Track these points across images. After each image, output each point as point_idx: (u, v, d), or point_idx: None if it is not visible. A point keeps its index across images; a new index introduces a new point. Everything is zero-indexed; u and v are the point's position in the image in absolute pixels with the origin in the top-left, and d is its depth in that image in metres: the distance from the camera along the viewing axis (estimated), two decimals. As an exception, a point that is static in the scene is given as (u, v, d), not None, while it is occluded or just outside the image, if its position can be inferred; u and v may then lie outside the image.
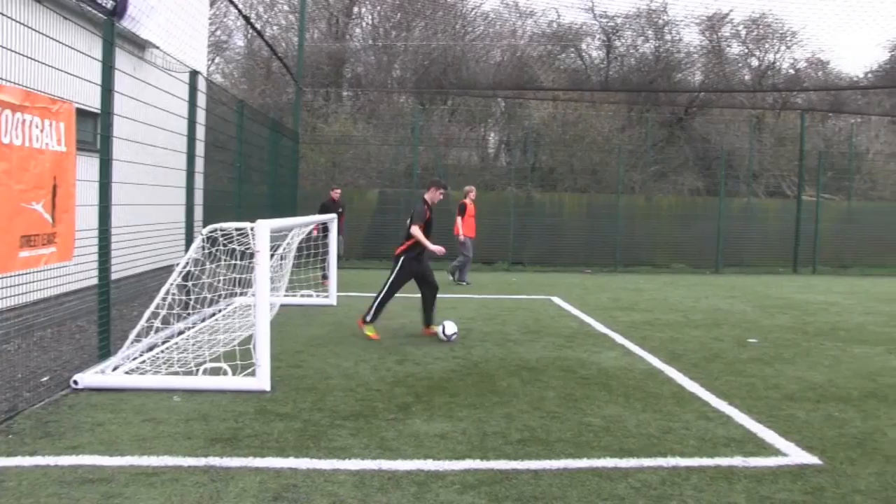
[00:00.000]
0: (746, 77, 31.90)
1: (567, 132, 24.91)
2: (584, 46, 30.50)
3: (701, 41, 30.97)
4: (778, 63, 32.39)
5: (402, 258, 9.24)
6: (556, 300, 13.50)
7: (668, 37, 29.74)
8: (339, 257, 14.35)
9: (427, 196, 9.40)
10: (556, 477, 4.75)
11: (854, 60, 47.70)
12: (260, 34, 19.19)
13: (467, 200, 15.45)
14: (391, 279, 9.27)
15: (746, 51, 32.02)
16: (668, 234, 20.95)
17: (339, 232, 14.68)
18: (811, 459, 5.22)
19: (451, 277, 15.68)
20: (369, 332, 9.29)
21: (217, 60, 29.32)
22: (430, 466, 4.88)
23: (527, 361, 8.14)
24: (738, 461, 5.13)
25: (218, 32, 28.32)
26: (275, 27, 29.28)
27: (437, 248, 9.03)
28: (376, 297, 9.33)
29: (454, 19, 29.07)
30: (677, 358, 8.53)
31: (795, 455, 5.30)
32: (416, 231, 9.06)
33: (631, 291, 15.21)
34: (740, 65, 32.19)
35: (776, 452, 5.35)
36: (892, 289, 16.90)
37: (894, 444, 5.60)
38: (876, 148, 28.17)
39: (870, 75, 36.77)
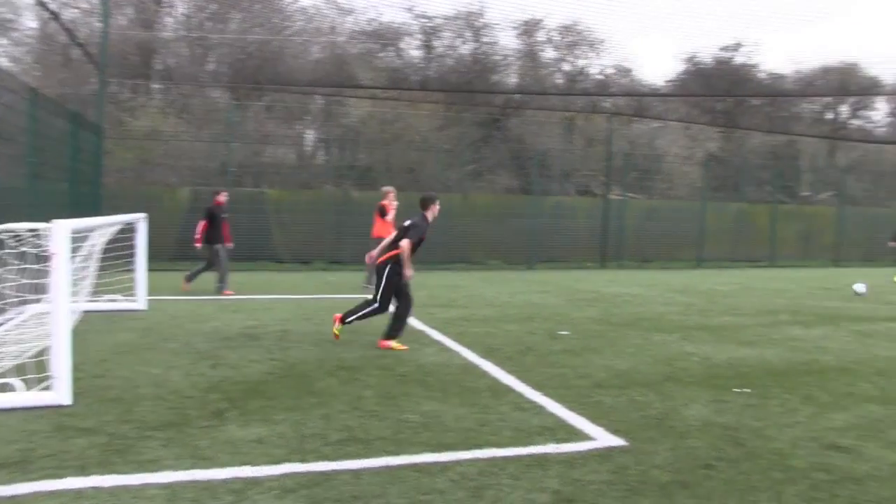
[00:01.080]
0: (559, 81, 33.49)
1: (385, 131, 25.07)
2: (403, 46, 30.84)
3: (517, 45, 32.20)
4: (588, 68, 34.27)
5: (387, 268, 8.80)
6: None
7: (485, 39, 30.67)
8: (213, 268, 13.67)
9: (429, 214, 8.99)
10: (376, 475, 4.77)
11: (655, 70, 51.32)
12: (54, 15, 17.82)
13: (387, 202, 14.66)
14: (382, 291, 8.79)
15: (559, 56, 33.65)
16: (484, 231, 21.59)
17: (227, 240, 13.93)
18: (617, 441, 5.57)
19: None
20: (397, 346, 8.84)
21: (2, 42, 26.97)
22: (248, 473, 4.76)
23: (344, 361, 8.12)
24: (551, 448, 5.37)
25: (3, 10, 26.05)
26: (74, 10, 27.37)
27: (410, 273, 8.76)
28: (364, 311, 8.85)
29: (272, 13, 28.47)
30: (493, 352, 8.82)
31: (603, 438, 5.63)
32: (406, 245, 8.69)
33: (448, 288, 15.55)
34: (553, 69, 33.76)
35: (586, 437, 5.66)
36: (687, 281, 18.35)
37: (686, 422, 6.09)
38: (674, 151, 30.49)
39: (668, 84, 39.69)
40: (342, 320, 8.99)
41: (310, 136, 27.41)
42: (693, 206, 24.37)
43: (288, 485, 4.59)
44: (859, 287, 16.29)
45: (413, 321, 11.01)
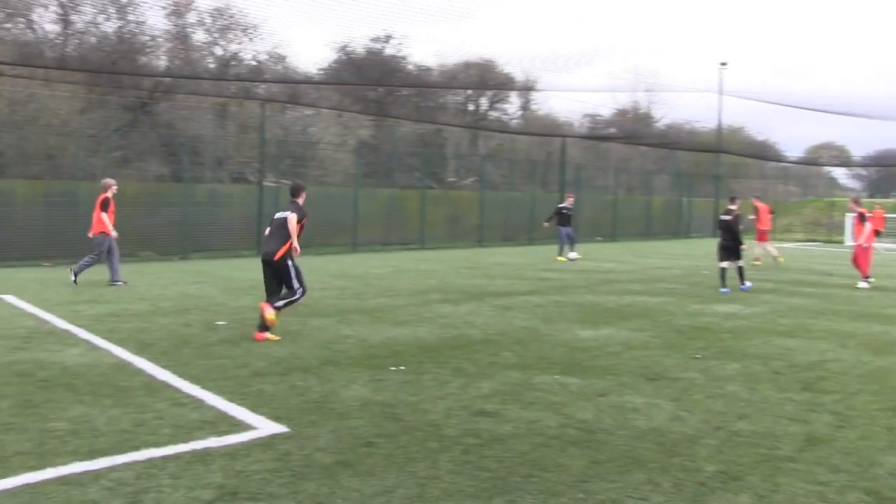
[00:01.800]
0: (211, 65, 32.49)
1: (17, 112, 22.46)
2: (35, 17, 27.81)
3: (166, 25, 30.61)
4: (241, 54, 33.66)
5: (287, 260, 9.17)
6: (10, 298, 12.17)
7: (131, 17, 28.74)
8: None
9: (301, 200, 9.65)
10: (14, 497, 4.31)
11: (308, 58, 51.90)
12: None
13: (110, 194, 14.23)
14: (294, 277, 9.21)
15: (211, 39, 32.61)
16: (133, 221, 20.31)
17: None
18: (279, 428, 5.61)
19: (73, 277, 14.09)
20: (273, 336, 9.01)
21: None
22: None
23: (-28, 371, 7.19)
24: (212, 442, 5.26)
25: None
26: None
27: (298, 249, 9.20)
28: (290, 299, 9.24)
29: None
30: (147, 348, 8.39)
31: (265, 427, 5.64)
32: (294, 228, 9.19)
33: (94, 283, 14.43)
34: (205, 53, 32.66)
35: (248, 427, 5.62)
36: (343, 265, 18.95)
37: (345, 403, 6.33)
38: (327, 138, 31.17)
39: (321, 72, 40.41)
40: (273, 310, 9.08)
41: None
42: (347, 193, 25.14)
43: None
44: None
45: (56, 320, 10.07)
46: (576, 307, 12.34)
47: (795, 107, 52.84)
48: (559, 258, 22.28)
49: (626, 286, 15.59)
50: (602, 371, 7.71)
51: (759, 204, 22.46)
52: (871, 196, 64.23)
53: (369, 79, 38.11)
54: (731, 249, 15.01)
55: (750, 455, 5.30)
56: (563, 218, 22.64)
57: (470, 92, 44.59)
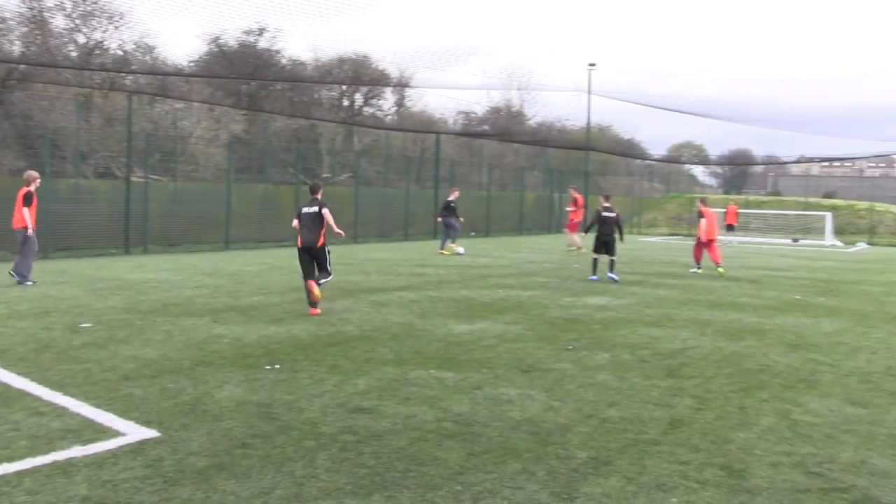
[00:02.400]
0: (73, 53, 30.86)
1: None
2: None
3: (19, 7, 28.81)
4: (106, 42, 32.11)
5: (326, 246, 11.01)
6: None
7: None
8: None
9: (320, 196, 11.14)
10: None
11: (178, 49, 50.17)
12: None
13: (33, 188, 13.92)
14: (329, 262, 11.11)
15: (73, 26, 30.95)
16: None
17: None
18: (150, 433, 5.39)
19: (16, 277, 13.80)
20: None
21: None
22: None
23: None
24: (76, 451, 5.00)
25: None
26: None
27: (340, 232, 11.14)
28: (327, 279, 11.19)
29: None
30: (2, 354, 7.89)
31: (134, 433, 5.41)
32: (331, 218, 10.89)
33: (-56, 286, 13.47)
34: (66, 40, 30.98)
35: (116, 434, 5.38)
36: (215, 263, 18.42)
37: (220, 404, 6.16)
38: (198, 133, 30.20)
39: (192, 64, 39.11)
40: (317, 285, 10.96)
41: None
42: (219, 189, 24.45)
43: None
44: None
45: None
46: (451, 302, 12.46)
47: (658, 107, 55.40)
48: (443, 252, 22.69)
49: (500, 280, 15.87)
50: (477, 364, 7.82)
51: (578, 195, 25.57)
52: (726, 192, 68.09)
53: (242, 72, 37.17)
54: (609, 244, 16.12)
55: (619, 440, 5.50)
56: (449, 211, 23.24)
57: (344, 88, 44.27)
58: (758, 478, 4.86)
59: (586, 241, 16.30)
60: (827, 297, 14.51)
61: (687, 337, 9.73)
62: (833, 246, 34.76)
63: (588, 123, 45.80)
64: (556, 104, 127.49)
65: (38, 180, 14.26)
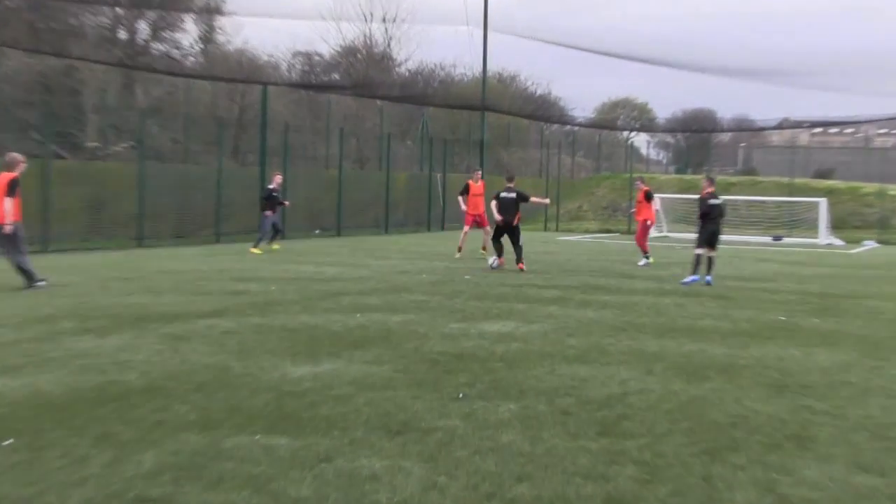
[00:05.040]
0: None
1: None
2: None
3: None
4: None
5: (520, 225, 21.51)
6: None
7: None
8: None
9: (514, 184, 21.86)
10: None
11: None
12: None
13: (18, 173, 16.48)
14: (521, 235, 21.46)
15: None
16: None
17: None
18: None
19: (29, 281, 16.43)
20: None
21: None
22: None
23: None
24: None
25: None
26: None
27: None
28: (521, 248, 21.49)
29: None
30: None
31: None
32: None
33: None
34: None
35: None
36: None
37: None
38: None
39: None
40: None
41: None
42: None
43: None
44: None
45: None
46: (285, 333, 12.33)
47: (583, 49, 56.65)
48: (254, 250, 24.74)
49: (357, 300, 15.82)
50: (325, 425, 7.73)
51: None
52: (680, 171, 70.38)
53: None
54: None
55: (532, 532, 5.52)
56: (271, 202, 25.12)
57: (121, 10, 43.20)
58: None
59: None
60: (823, 317, 15.16)
61: (627, 377, 9.93)
62: (829, 245, 36.48)
63: (484, 72, 46.52)
64: (438, 44, 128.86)
65: (24, 164, 16.76)
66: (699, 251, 19.71)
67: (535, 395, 9.00)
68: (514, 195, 21.50)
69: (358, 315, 14.09)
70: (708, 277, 19.41)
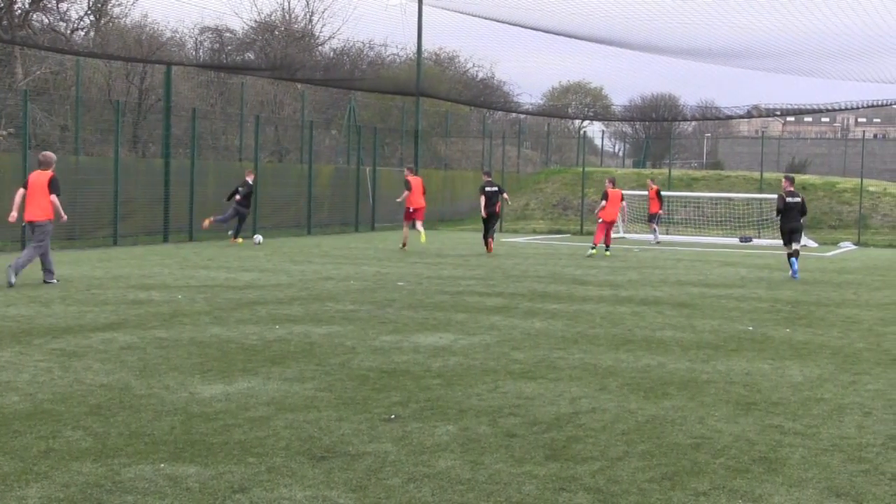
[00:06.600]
0: None
1: None
2: None
3: None
4: None
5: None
6: None
7: None
8: None
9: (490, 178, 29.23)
10: None
11: None
12: None
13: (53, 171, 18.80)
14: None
15: None
16: None
17: None
18: None
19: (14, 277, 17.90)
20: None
21: None
22: None
23: None
24: None
25: None
26: None
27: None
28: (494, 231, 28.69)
29: None
30: None
31: None
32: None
33: None
34: None
35: None
36: None
37: None
38: None
39: None
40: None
41: None
42: None
43: None
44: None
45: None
46: (193, 348, 12.29)
47: (530, 28, 56.81)
48: (237, 240, 29.90)
49: (276, 310, 15.80)
50: (239, 451, 7.73)
51: (413, 178, 30.71)
52: (638, 165, 70.91)
53: None
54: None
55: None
56: (248, 198, 30.57)
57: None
58: None
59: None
60: (794, 327, 15.39)
61: (579, 395, 10.02)
62: (803, 247, 36.93)
63: (419, 52, 46.60)
64: (366, 20, 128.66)
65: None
66: (787, 252, 23.47)
67: (475, 415, 9.06)
68: (496, 188, 28.14)
69: (277, 327, 14.08)
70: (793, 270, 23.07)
